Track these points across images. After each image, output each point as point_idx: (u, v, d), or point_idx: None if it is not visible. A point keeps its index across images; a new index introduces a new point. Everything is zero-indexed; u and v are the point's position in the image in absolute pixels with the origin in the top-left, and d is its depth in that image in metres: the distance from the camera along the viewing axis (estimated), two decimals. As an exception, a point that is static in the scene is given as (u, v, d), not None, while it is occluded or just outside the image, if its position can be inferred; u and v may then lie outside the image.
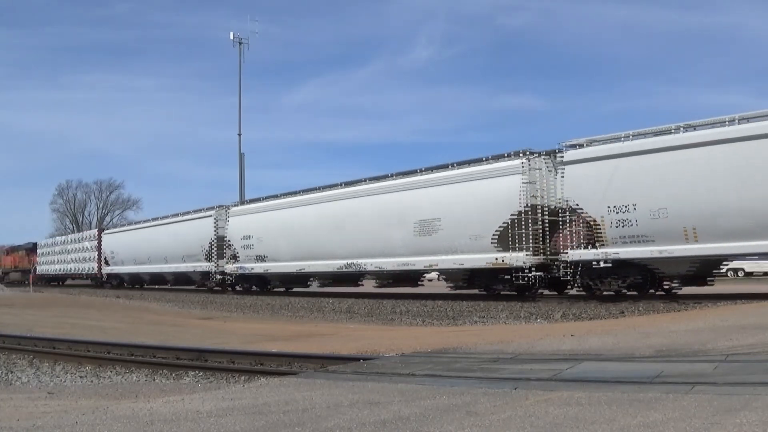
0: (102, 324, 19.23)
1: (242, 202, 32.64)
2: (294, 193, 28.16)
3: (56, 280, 55.66)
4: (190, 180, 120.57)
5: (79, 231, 65.76)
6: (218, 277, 31.41)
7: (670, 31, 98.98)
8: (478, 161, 20.42)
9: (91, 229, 66.68)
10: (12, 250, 67.24)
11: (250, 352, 10.90)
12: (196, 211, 34.29)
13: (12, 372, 11.02)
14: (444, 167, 21.38)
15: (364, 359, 8.53)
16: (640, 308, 16.08)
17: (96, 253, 45.58)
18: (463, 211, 20.04)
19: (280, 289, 30.53)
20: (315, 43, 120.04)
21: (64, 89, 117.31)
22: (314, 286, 27.32)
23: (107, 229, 47.67)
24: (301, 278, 27.51)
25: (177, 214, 36.70)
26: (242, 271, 30.10)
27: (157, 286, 39.32)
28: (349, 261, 24.01)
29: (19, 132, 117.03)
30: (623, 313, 15.93)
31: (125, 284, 43.23)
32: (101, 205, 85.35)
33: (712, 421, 4.08)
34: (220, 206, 32.05)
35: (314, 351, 10.68)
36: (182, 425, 4.85)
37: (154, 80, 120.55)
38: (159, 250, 36.67)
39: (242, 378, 9.18)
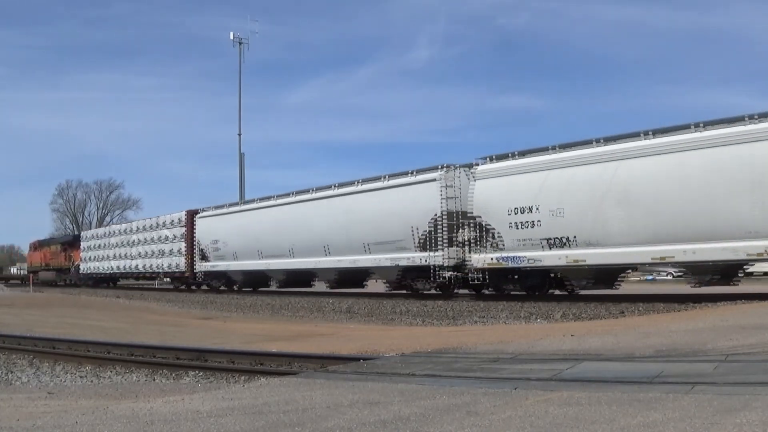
0: (102, 324, 19.22)
1: (496, 157, 20.59)
2: (613, 139, 17.42)
3: (108, 281, 45.00)
4: (190, 180, 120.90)
5: (79, 231, 62.63)
6: (448, 274, 20.76)
7: (671, 30, 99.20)
8: None
9: (91, 228, 64.78)
10: (41, 244, 56.37)
11: (250, 352, 10.89)
12: (393, 176, 23.17)
13: (12, 372, 11.01)
14: None
15: (364, 359, 8.52)
16: (640, 308, 16.10)
17: (184, 245, 34.28)
18: None
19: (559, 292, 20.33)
20: (315, 43, 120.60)
21: (65, 89, 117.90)
22: (620, 287, 19.34)
23: (203, 211, 33.96)
24: (613, 273, 18.87)
25: (351, 183, 25.14)
26: (511, 264, 19.59)
27: (293, 289, 28.72)
28: None
29: (19, 132, 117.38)
30: (623, 313, 15.94)
31: (235, 286, 32.30)
32: (101, 205, 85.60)
33: (712, 421, 4.07)
34: (448, 166, 21.22)
35: (314, 351, 10.67)
36: (182, 425, 4.84)
37: (154, 80, 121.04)
38: (312, 235, 25.78)
39: (242, 378, 9.17)
